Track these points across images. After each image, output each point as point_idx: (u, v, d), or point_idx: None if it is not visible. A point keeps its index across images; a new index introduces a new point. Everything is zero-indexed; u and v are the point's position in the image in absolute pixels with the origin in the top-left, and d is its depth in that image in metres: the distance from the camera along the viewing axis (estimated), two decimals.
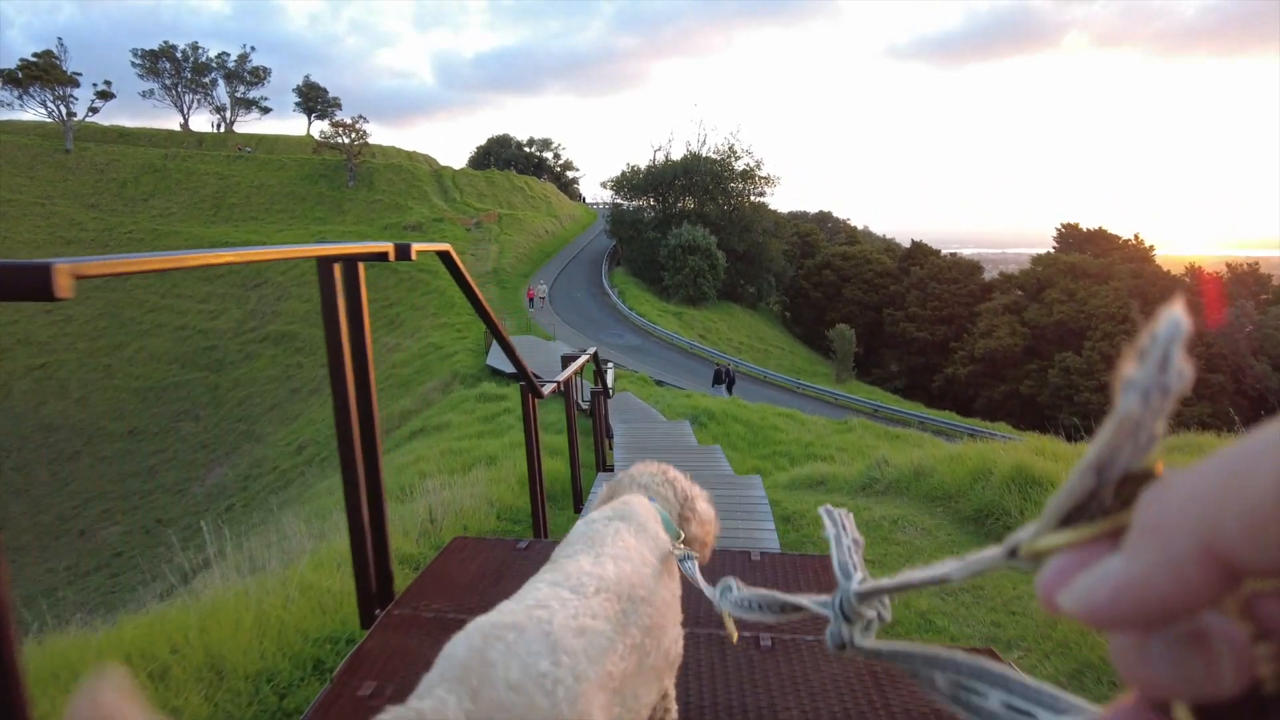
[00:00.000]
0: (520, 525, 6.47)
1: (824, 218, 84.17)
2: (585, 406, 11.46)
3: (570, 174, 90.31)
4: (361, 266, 2.34)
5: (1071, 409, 38.11)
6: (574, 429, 6.49)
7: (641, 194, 52.26)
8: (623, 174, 52.42)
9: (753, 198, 52.00)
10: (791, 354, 45.59)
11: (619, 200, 53.55)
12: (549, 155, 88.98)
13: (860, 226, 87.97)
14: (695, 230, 45.28)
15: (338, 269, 2.20)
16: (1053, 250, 47.30)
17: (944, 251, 54.00)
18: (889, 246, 65.45)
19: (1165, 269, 40.82)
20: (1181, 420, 34.84)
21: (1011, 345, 42.03)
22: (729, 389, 24.31)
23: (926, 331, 48.29)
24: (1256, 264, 40.36)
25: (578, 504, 6.82)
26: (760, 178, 51.81)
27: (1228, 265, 39.98)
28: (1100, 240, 47.34)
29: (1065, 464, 6.54)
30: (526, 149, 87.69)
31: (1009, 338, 42.28)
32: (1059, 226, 49.86)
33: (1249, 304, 35.54)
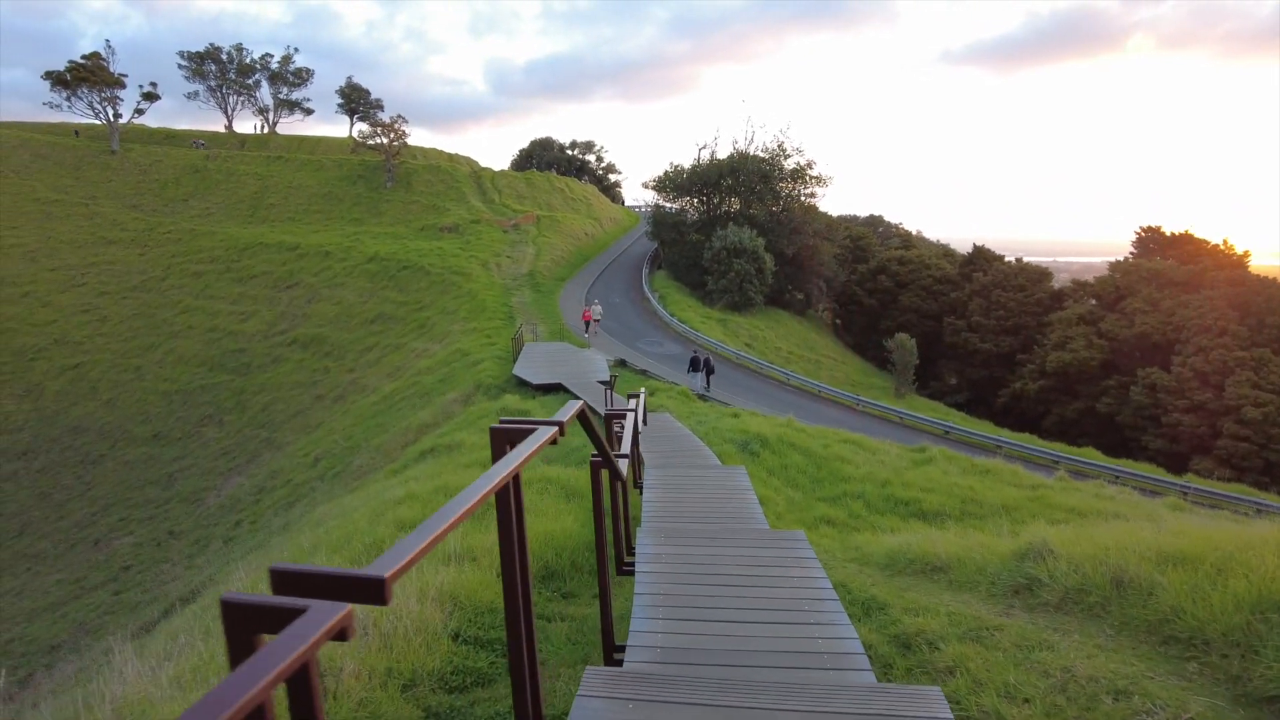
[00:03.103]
0: (488, 655, 4.15)
1: (875, 221, 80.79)
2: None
3: (612, 177, 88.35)
4: None
5: (1157, 430, 34.63)
6: (616, 499, 4.19)
7: (685, 194, 49.79)
8: (665, 173, 50.01)
9: (803, 198, 49.20)
10: (844, 364, 42.74)
11: (661, 201, 51.13)
12: (591, 158, 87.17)
13: (914, 232, 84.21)
14: (742, 232, 42.70)
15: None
16: (1131, 256, 43.54)
17: (1008, 257, 50.55)
18: (947, 252, 62.00)
19: (1266, 277, 36.98)
20: None
21: (1088, 359, 38.53)
22: (708, 378, 23.68)
23: (991, 343, 44.99)
24: None
25: (620, 567, 4.61)
26: (811, 177, 49.00)
27: None
28: (1186, 245, 43.52)
29: None
30: (569, 151, 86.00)
31: (1085, 350, 38.80)
32: (1138, 230, 46.15)
33: None
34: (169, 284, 48.74)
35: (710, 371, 24.15)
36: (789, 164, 48.61)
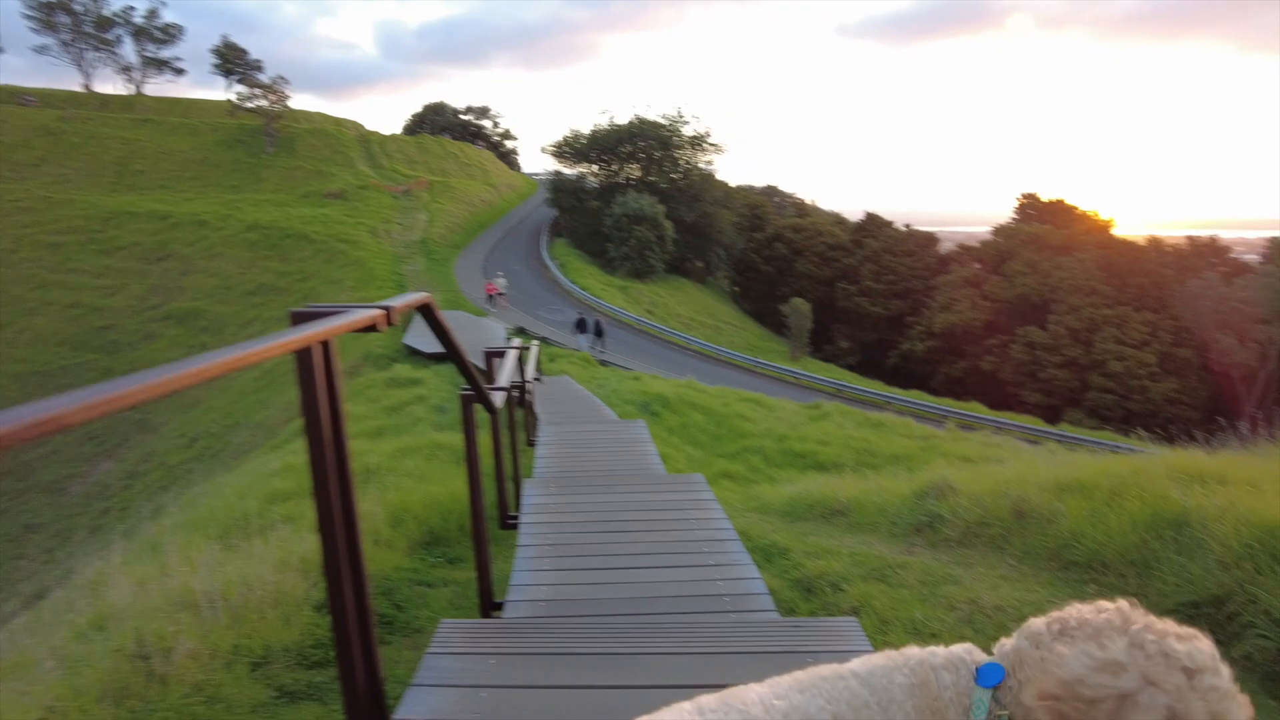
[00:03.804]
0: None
1: (772, 191, 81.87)
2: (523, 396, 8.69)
3: (509, 143, 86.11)
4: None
5: (1035, 385, 36.66)
6: (500, 449, 3.77)
7: (585, 160, 48.95)
8: (565, 139, 48.99)
9: (702, 166, 49.27)
10: (743, 330, 43.29)
11: (561, 168, 50.15)
12: (487, 124, 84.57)
13: (809, 201, 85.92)
14: (642, 199, 42.37)
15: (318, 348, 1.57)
16: (1014, 222, 45.72)
17: (898, 225, 52.18)
18: (840, 220, 63.49)
19: (1129, 240, 39.52)
20: (1148, 396, 33.74)
21: (972, 319, 40.35)
22: (597, 339, 23.66)
23: (881, 306, 46.49)
24: (1215, 238, 39.37)
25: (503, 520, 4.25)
26: (709, 145, 49.06)
27: (1189, 239, 38.87)
28: (1061, 212, 45.95)
29: (1254, 490, 4.02)
30: (463, 117, 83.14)
31: (969, 311, 40.60)
32: (1019, 197, 48.43)
33: (1213, 277, 34.38)
34: (20, 257, 44.40)
35: (600, 333, 23.96)
36: (687, 131, 48.50)
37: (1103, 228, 43.87)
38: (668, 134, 47.85)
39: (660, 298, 40.28)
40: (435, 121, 79.34)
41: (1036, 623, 1.06)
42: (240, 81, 68.75)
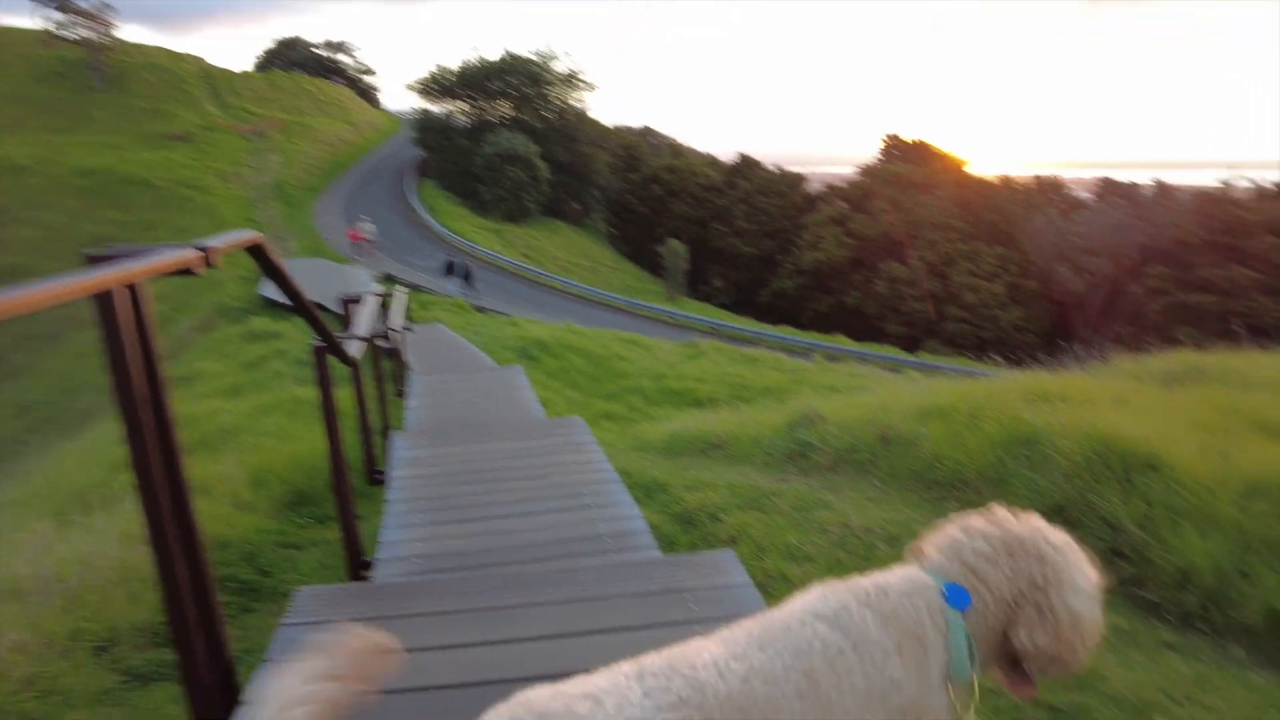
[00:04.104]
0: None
1: (647, 132, 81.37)
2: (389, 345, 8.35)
3: (369, 79, 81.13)
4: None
5: (897, 317, 38.69)
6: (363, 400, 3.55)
7: (452, 97, 46.84)
8: (431, 75, 46.59)
9: (574, 103, 48.22)
10: (621, 272, 43.29)
11: (427, 105, 47.76)
12: (345, 59, 79.19)
13: (683, 142, 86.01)
14: (515, 138, 41.10)
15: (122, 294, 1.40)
16: (879, 162, 47.50)
17: (769, 166, 53.14)
18: (713, 161, 63.98)
19: (982, 179, 41.95)
20: (998, 325, 36.32)
21: (838, 257, 41.94)
22: (466, 283, 23.21)
23: (753, 246, 47.51)
24: (1057, 177, 42.40)
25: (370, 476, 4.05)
26: (582, 82, 48.01)
27: (1036, 178, 41.69)
28: (921, 152, 48.07)
29: (1092, 406, 4.37)
30: (318, 51, 77.44)
31: (835, 249, 42.15)
32: (884, 138, 50.24)
33: (1053, 213, 37.09)
34: None
35: (469, 277, 23.46)
36: (559, 67, 47.21)
37: (959, 167, 46.36)
38: (539, 70, 46.42)
39: (536, 241, 39.58)
40: (289, 57, 73.48)
41: (958, 539, 1.16)
42: (55, 7, 61.23)
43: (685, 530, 4.09)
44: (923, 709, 1.04)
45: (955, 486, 4.13)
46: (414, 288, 22.95)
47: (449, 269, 23.57)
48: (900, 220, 40.38)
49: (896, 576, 1.12)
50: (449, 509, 3.27)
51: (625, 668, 0.97)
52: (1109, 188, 39.38)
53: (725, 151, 62.14)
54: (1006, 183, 41.41)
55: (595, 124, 50.76)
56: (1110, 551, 3.19)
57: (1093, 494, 3.42)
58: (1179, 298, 31.59)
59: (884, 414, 5.16)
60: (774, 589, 3.38)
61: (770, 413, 6.27)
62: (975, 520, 1.20)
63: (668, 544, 4.02)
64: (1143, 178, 40.46)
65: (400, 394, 6.57)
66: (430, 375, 7.15)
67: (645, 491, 4.76)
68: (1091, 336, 34.83)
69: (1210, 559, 2.87)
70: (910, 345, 34.82)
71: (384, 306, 6.20)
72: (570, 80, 47.69)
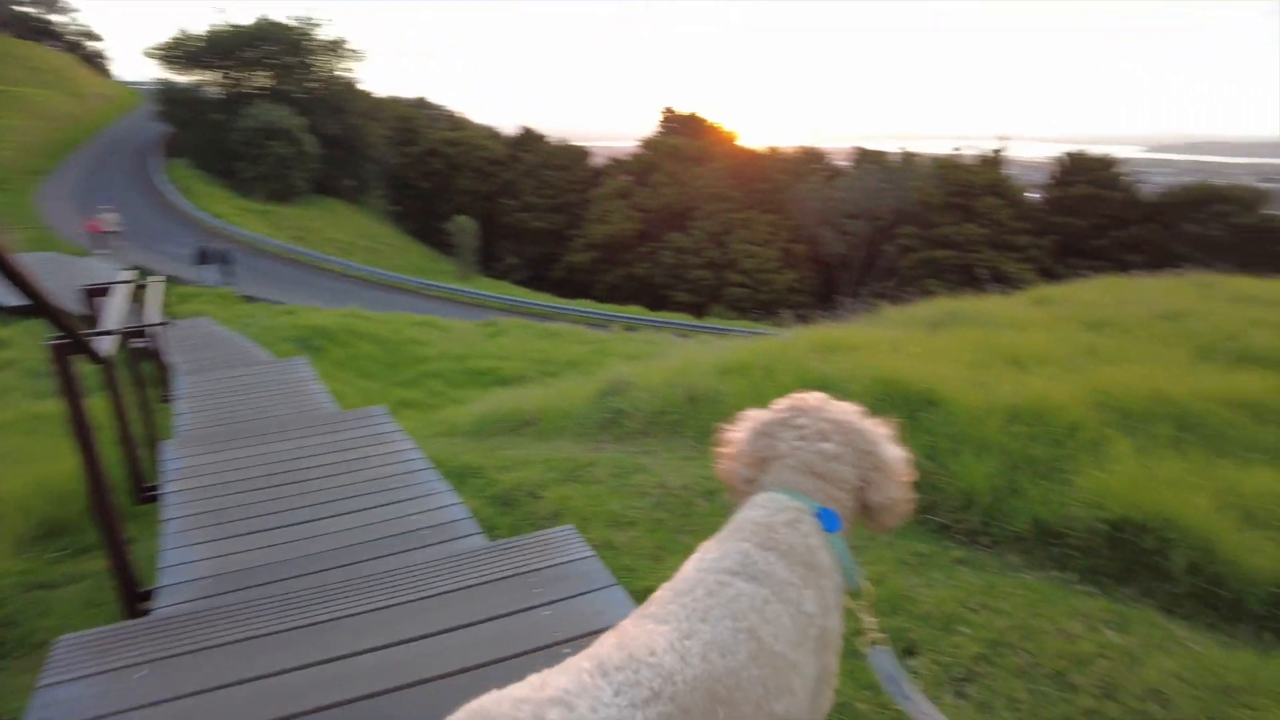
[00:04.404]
0: None
1: (422, 103, 78.00)
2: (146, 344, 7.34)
3: (93, 44, 70.95)
4: None
5: (683, 286, 40.27)
6: (122, 408, 2.99)
7: (200, 66, 41.99)
8: (174, 40, 41.40)
9: (340, 73, 45.06)
10: (407, 252, 41.42)
11: (170, 75, 42.45)
12: (60, 19, 68.49)
13: (461, 114, 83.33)
14: (275, 110, 37.69)
15: None
16: (657, 135, 48.69)
17: (552, 139, 52.85)
18: (494, 134, 62.65)
19: (753, 150, 44.40)
20: (774, 287, 38.86)
21: (626, 229, 42.80)
22: (223, 269, 21.38)
23: (543, 220, 47.29)
24: (818, 148, 45.81)
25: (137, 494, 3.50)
26: (348, 51, 44.94)
27: (799, 148, 44.75)
28: (695, 125, 49.89)
29: (873, 353, 4.74)
30: (24, 9, 66.30)
31: (623, 222, 42.96)
32: (662, 111, 51.49)
33: (817, 180, 40.10)
34: None
35: (226, 262, 21.50)
36: (322, 35, 43.82)
37: (730, 140, 48.72)
38: (299, 38, 42.80)
39: (310, 221, 36.80)
40: None
41: (801, 450, 1.26)
42: None
43: (504, 512, 3.95)
44: (828, 632, 1.10)
45: None
46: (170, 279, 20.55)
47: (202, 256, 21.37)
48: (680, 192, 41.88)
49: (768, 509, 1.15)
50: (241, 519, 2.90)
51: (583, 663, 0.91)
52: (863, 156, 43.19)
53: (506, 124, 61.00)
54: (774, 154, 44.16)
55: (366, 95, 47.77)
56: None
57: None
58: (925, 254, 35.47)
59: (687, 375, 5.30)
60: (603, 558, 3.36)
61: (579, 384, 6.24)
62: (799, 418, 1.30)
63: (488, 528, 3.86)
64: (891, 148, 44.84)
65: (167, 399, 5.80)
66: (200, 374, 6.37)
67: (458, 478, 4.55)
68: (856, 292, 38.38)
69: (987, 480, 3.20)
70: (698, 311, 36.43)
71: (136, 298, 5.44)
72: (335, 49, 44.47)
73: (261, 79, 43.14)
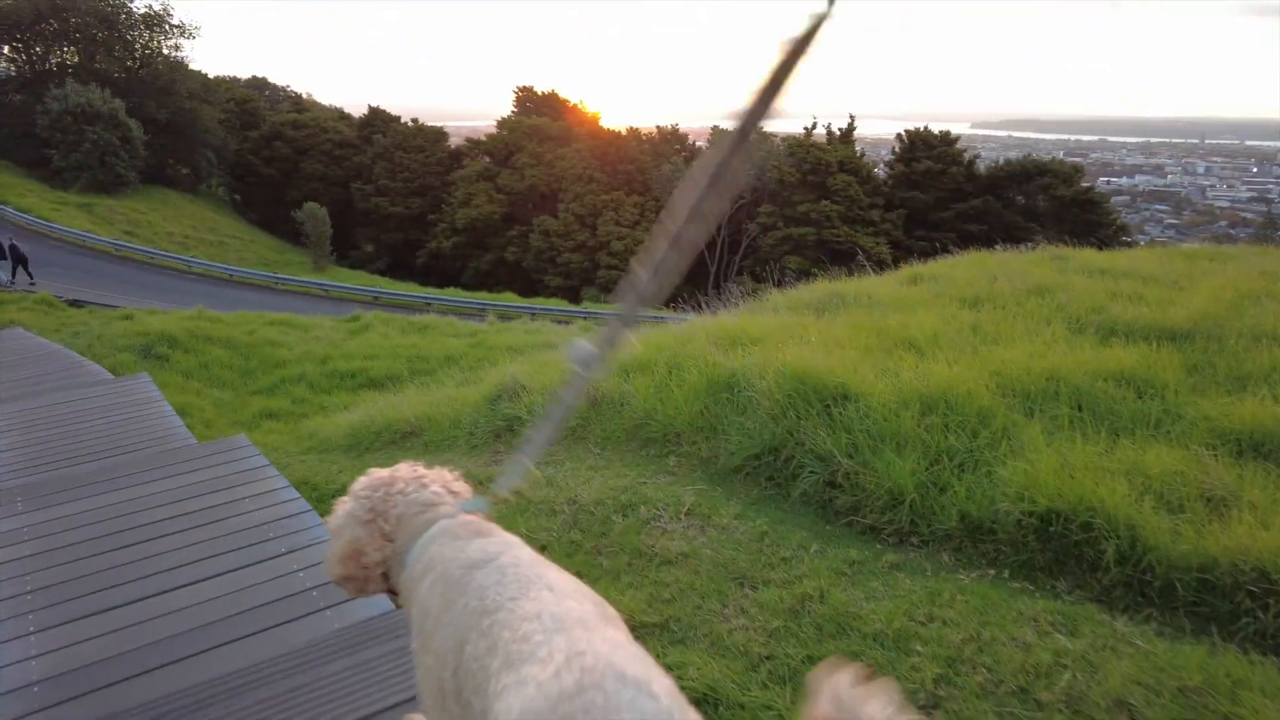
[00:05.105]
0: None
1: (261, 84, 72.75)
2: None
3: None
4: None
5: (555, 269, 39.73)
6: None
7: None
8: None
9: (166, 52, 41.23)
10: (254, 243, 38.62)
11: None
12: None
13: (305, 95, 78.39)
14: (89, 91, 34.00)
15: None
16: (514, 115, 47.46)
17: (404, 120, 50.54)
18: (343, 115, 59.31)
19: (617, 131, 44.07)
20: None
21: (491, 213, 41.70)
22: (17, 268, 19.37)
23: (401, 205, 45.30)
24: (677, 128, 46.10)
25: None
26: (173, 26, 41.15)
27: (659, 129, 44.85)
28: (555, 104, 49.03)
29: (775, 344, 4.63)
30: None
31: (487, 205, 41.82)
32: (516, 90, 50.22)
33: (678, 160, 40.39)
34: None
35: (21, 259, 19.32)
36: (138, 6, 39.88)
37: (592, 120, 48.21)
38: (110, 9, 38.76)
39: (141, 214, 33.60)
40: None
41: (407, 504, 1.41)
42: None
43: None
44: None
45: (670, 441, 4.12)
46: None
47: None
48: (545, 174, 41.15)
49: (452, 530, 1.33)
50: (80, 597, 2.40)
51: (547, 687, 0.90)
52: (719, 135, 43.72)
53: (353, 104, 57.90)
54: (635, 134, 44.12)
55: (197, 75, 43.98)
56: (827, 485, 3.36)
57: (800, 431, 3.58)
58: (785, 231, 36.54)
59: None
60: None
61: (466, 388, 5.84)
62: (392, 486, 1.44)
63: None
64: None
65: None
66: (14, 402, 5.49)
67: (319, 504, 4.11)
68: (723, 271, 39.14)
69: (912, 477, 3.13)
70: (572, 296, 36.05)
71: None
72: (155, 23, 40.60)
73: (67, 56, 38.83)
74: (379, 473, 1.46)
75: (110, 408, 5.15)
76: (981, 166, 39.79)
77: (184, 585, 2.45)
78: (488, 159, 45.01)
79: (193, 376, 10.04)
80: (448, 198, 44.21)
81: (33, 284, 18.80)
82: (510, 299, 27.36)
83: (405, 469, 1.47)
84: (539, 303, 27.11)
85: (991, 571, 2.81)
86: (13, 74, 37.83)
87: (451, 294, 27.56)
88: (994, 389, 3.81)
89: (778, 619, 2.57)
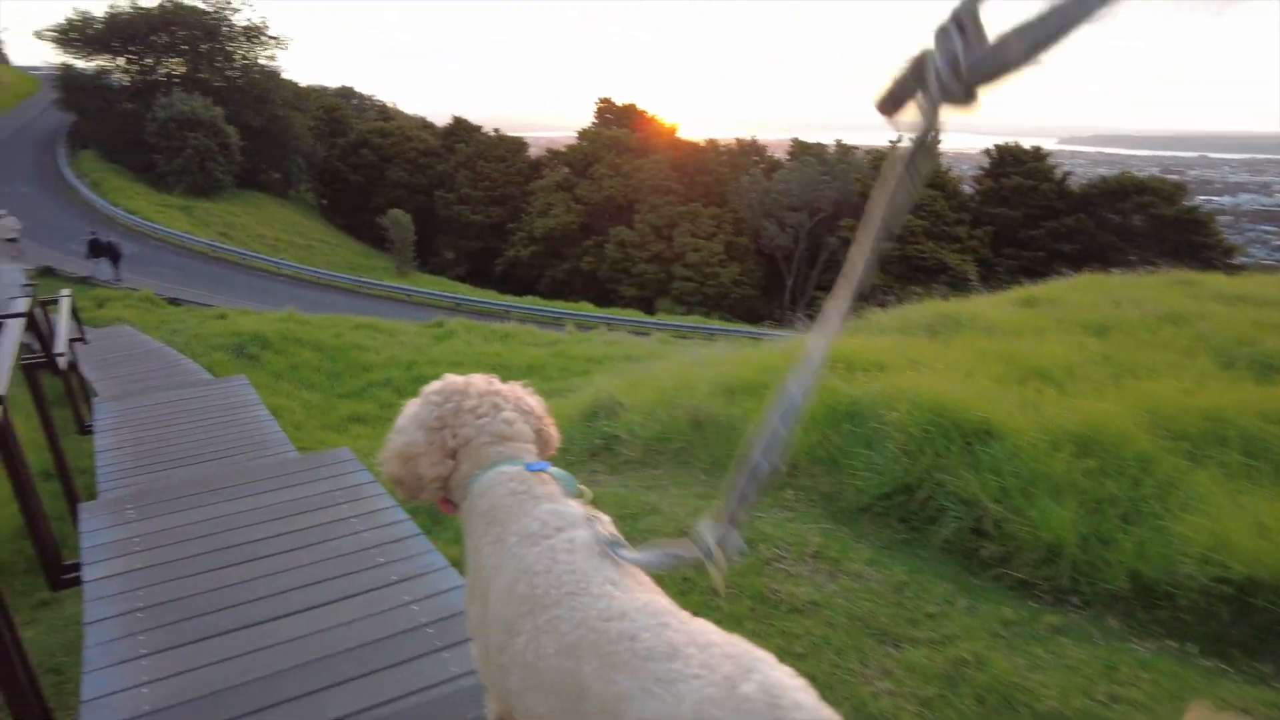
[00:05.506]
0: None
1: (348, 93, 75.33)
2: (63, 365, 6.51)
3: None
4: None
5: (630, 280, 39.76)
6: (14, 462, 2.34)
7: (103, 50, 39.36)
8: (70, 22, 38.62)
9: (262, 62, 43.00)
10: (340, 248, 39.82)
11: (71, 60, 39.63)
12: None
13: (390, 104, 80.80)
14: (193, 100, 35.65)
15: None
16: (594, 126, 47.87)
17: (486, 129, 51.50)
18: (426, 124, 60.85)
19: (693, 142, 43.98)
20: (719, 280, 38.65)
21: (569, 223, 42.02)
22: (114, 263, 20.24)
23: (482, 214, 46.07)
24: (755, 139, 45.72)
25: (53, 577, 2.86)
26: (269, 38, 42.90)
27: (737, 141, 44.55)
28: (634, 115, 49.24)
29: (897, 371, 4.32)
30: None
31: (565, 215, 42.17)
32: (597, 101, 50.69)
33: (757, 172, 40.00)
34: None
35: (116, 255, 20.24)
36: (239, 20, 41.71)
37: (670, 131, 48.24)
38: (214, 22, 40.64)
39: (235, 217, 35.00)
40: None
41: (477, 429, 1.40)
42: None
43: None
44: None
45: (788, 471, 3.86)
46: (82, 281, 19.09)
47: (94, 248, 20.05)
48: (623, 185, 41.27)
49: (506, 481, 1.33)
50: (192, 618, 2.30)
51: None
52: (800, 148, 43.28)
53: (437, 114, 59.30)
54: (713, 145, 43.86)
55: (289, 83, 45.71)
56: (973, 533, 3.05)
57: (941, 471, 3.28)
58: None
59: (686, 394, 4.81)
60: None
61: (562, 402, 5.69)
62: (465, 401, 1.44)
63: None
64: (826, 139, 45.03)
65: (86, 430, 5.04)
66: (122, 400, 5.60)
67: (436, 520, 3.98)
68: (800, 286, 38.49)
69: (1073, 529, 2.81)
70: (646, 306, 36.00)
71: (38, 328, 4.68)
72: (254, 35, 42.37)
73: (174, 66, 40.84)
74: (453, 380, 1.47)
75: (209, 409, 5.18)
76: (1074, 183, 38.20)
77: (293, 613, 2.33)
78: (566, 169, 45.44)
79: (283, 378, 10.22)
80: (526, 207, 44.77)
81: (119, 280, 19.75)
82: (586, 309, 27.41)
83: (480, 380, 1.49)
84: (614, 312, 27.07)
85: (1173, 644, 2.47)
86: (127, 84, 39.95)
87: (530, 302, 27.80)
88: (1149, 429, 3.44)
89: (930, 686, 2.29)
